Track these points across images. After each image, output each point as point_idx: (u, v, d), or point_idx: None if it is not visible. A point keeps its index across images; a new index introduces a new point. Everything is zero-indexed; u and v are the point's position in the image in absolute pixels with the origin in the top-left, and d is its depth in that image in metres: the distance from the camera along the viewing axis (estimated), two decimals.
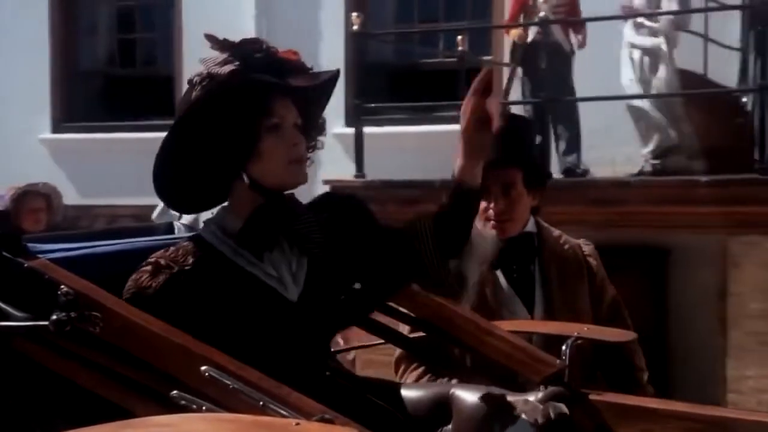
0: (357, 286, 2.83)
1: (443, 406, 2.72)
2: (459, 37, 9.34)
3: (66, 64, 12.69)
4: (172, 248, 2.58)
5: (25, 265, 2.40)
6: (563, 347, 3.10)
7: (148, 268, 2.52)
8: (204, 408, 2.19)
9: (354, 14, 9.07)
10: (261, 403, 2.16)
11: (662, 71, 8.68)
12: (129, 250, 2.79)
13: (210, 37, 2.60)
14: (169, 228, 3.23)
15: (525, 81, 9.35)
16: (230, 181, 2.61)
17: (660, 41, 8.72)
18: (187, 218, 4.11)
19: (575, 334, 3.15)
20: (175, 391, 2.23)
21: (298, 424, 1.98)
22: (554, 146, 9.03)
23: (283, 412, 2.14)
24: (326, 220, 2.72)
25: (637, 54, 8.83)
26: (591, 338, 3.21)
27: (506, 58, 9.82)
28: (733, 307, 7.53)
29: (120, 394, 2.33)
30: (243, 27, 10.86)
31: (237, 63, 2.55)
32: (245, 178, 2.58)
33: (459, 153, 2.65)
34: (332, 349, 2.90)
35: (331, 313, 2.70)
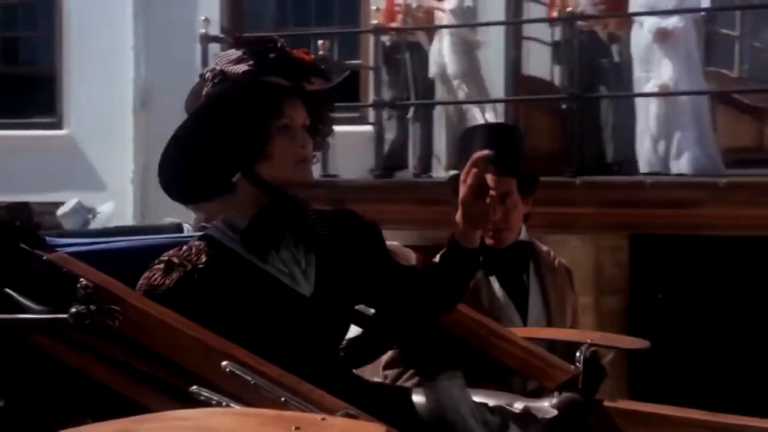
0: (370, 311, 2.83)
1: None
2: (320, 42, 9.27)
3: None
4: (184, 247, 2.52)
5: (44, 257, 2.32)
6: (577, 354, 3.06)
7: (161, 266, 2.45)
8: (224, 404, 2.11)
9: (202, 18, 8.97)
10: (282, 399, 2.12)
11: None
12: (142, 246, 2.74)
13: (227, 33, 2.54)
14: (179, 228, 3.15)
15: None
16: (235, 179, 2.55)
17: None
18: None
19: (588, 341, 3.11)
20: (195, 386, 2.17)
21: (324, 419, 1.94)
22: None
23: (304, 408, 2.06)
24: (337, 226, 2.68)
25: None
26: (604, 345, 3.16)
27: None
28: None
29: (136, 389, 2.26)
30: (122, 27, 10.86)
31: (251, 62, 2.50)
32: (252, 177, 2.53)
33: (459, 217, 2.65)
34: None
35: (344, 307, 2.66)
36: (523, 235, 3.69)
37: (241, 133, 2.48)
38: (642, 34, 8.11)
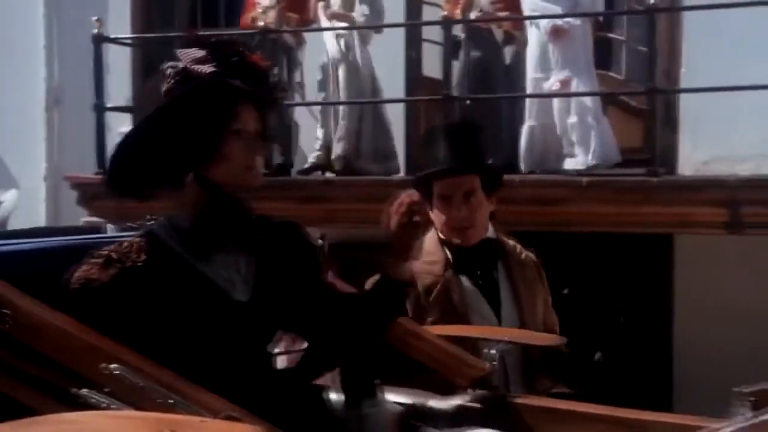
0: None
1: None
2: None
3: None
4: (125, 243, 2.47)
5: None
6: (492, 351, 3.06)
7: (99, 260, 2.41)
8: (113, 406, 2.08)
9: (93, 18, 8.86)
10: (171, 401, 2.10)
11: None
12: (54, 248, 2.69)
13: (190, 33, 2.52)
14: (97, 229, 3.10)
15: None
16: (184, 178, 2.51)
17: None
18: None
19: (506, 338, 3.10)
20: (84, 389, 2.16)
21: (203, 421, 1.94)
22: None
23: (191, 410, 2.05)
24: (279, 236, 2.67)
25: None
26: (521, 342, 3.16)
27: None
28: None
29: (27, 393, 2.24)
30: (33, 26, 10.70)
31: (215, 63, 2.47)
32: (201, 178, 2.49)
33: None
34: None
35: (278, 316, 2.62)
36: (490, 233, 3.61)
37: (200, 133, 2.45)
38: (537, 33, 8.15)
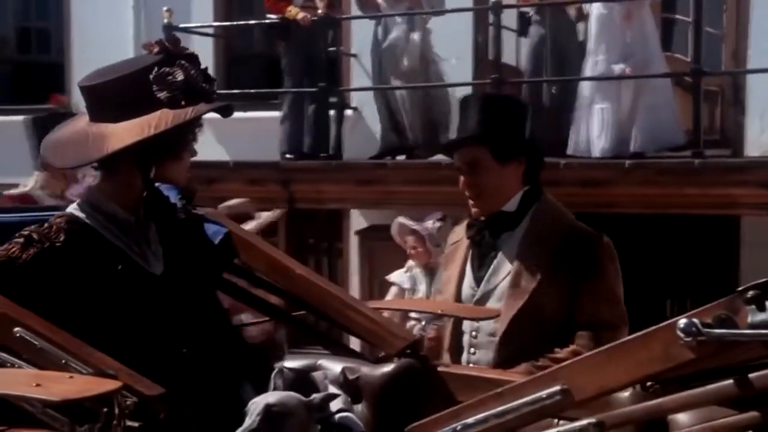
0: None
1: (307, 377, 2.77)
2: None
3: None
4: (46, 224, 2.64)
5: None
6: (423, 322, 3.12)
7: (21, 240, 2.58)
8: (16, 366, 2.24)
9: (164, 9, 9.15)
10: (63, 361, 2.24)
11: None
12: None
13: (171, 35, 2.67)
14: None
15: None
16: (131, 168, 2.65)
17: None
18: None
19: (439, 311, 3.16)
20: None
21: (71, 377, 2.06)
22: None
23: (82, 369, 2.19)
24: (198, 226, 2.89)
25: None
26: (453, 315, 3.21)
27: None
28: None
29: None
30: (122, 16, 11.09)
31: (193, 71, 2.61)
32: (148, 171, 2.67)
33: None
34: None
35: (193, 285, 2.75)
36: (512, 206, 3.42)
37: (172, 130, 2.57)
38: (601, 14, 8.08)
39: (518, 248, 3.39)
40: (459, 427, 2.09)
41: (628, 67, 7.88)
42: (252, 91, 10.01)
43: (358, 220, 9.71)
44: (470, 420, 2.08)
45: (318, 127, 9.10)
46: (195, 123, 2.66)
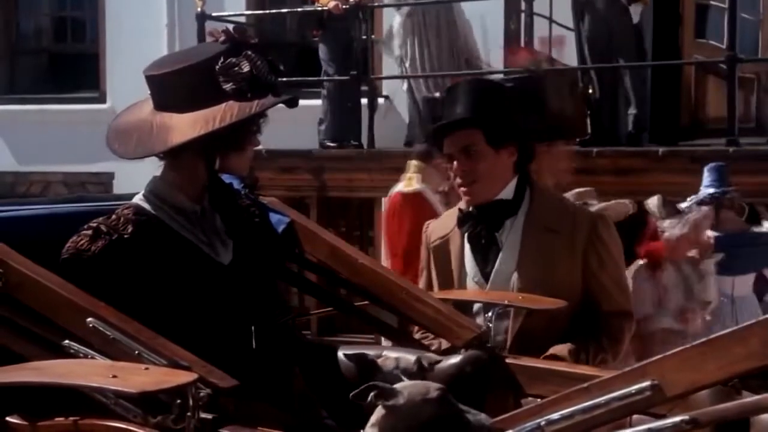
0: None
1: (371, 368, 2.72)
2: None
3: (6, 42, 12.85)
4: (113, 215, 2.60)
5: None
6: (489, 314, 3.06)
7: (89, 232, 2.54)
8: (89, 356, 2.20)
9: None
10: (136, 352, 2.20)
11: None
12: (57, 214, 2.83)
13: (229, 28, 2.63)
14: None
15: None
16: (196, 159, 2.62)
17: None
18: None
19: (505, 302, 3.09)
20: (66, 341, 2.28)
21: (147, 368, 2.05)
22: None
23: (155, 360, 2.15)
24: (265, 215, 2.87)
25: None
26: (521, 305, 3.12)
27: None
28: None
29: (23, 345, 2.39)
30: (155, 5, 11.10)
31: (259, 62, 2.57)
32: (214, 162, 2.64)
33: None
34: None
35: (260, 274, 2.71)
36: (507, 193, 3.31)
37: (240, 123, 2.56)
38: None
39: (523, 235, 3.28)
40: (543, 423, 2.02)
41: None
42: (293, 79, 9.93)
43: None
44: (555, 416, 2.02)
45: (350, 116, 9.05)
46: (260, 115, 2.61)
